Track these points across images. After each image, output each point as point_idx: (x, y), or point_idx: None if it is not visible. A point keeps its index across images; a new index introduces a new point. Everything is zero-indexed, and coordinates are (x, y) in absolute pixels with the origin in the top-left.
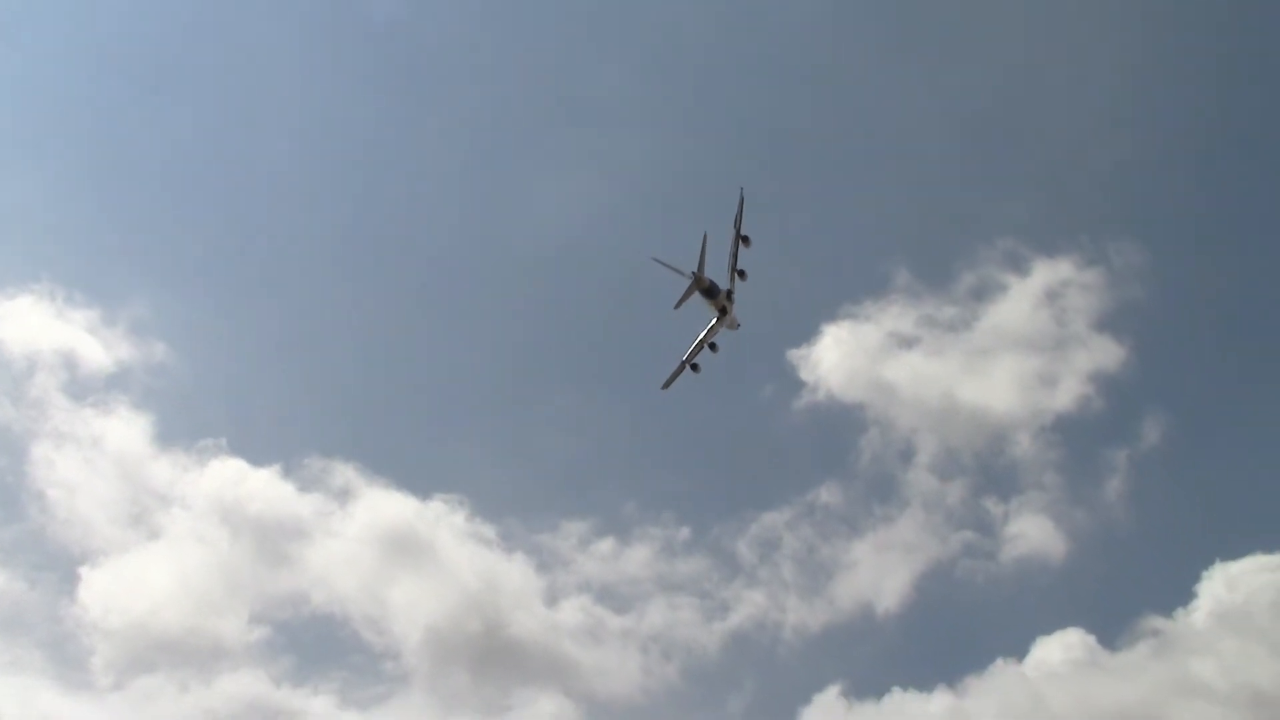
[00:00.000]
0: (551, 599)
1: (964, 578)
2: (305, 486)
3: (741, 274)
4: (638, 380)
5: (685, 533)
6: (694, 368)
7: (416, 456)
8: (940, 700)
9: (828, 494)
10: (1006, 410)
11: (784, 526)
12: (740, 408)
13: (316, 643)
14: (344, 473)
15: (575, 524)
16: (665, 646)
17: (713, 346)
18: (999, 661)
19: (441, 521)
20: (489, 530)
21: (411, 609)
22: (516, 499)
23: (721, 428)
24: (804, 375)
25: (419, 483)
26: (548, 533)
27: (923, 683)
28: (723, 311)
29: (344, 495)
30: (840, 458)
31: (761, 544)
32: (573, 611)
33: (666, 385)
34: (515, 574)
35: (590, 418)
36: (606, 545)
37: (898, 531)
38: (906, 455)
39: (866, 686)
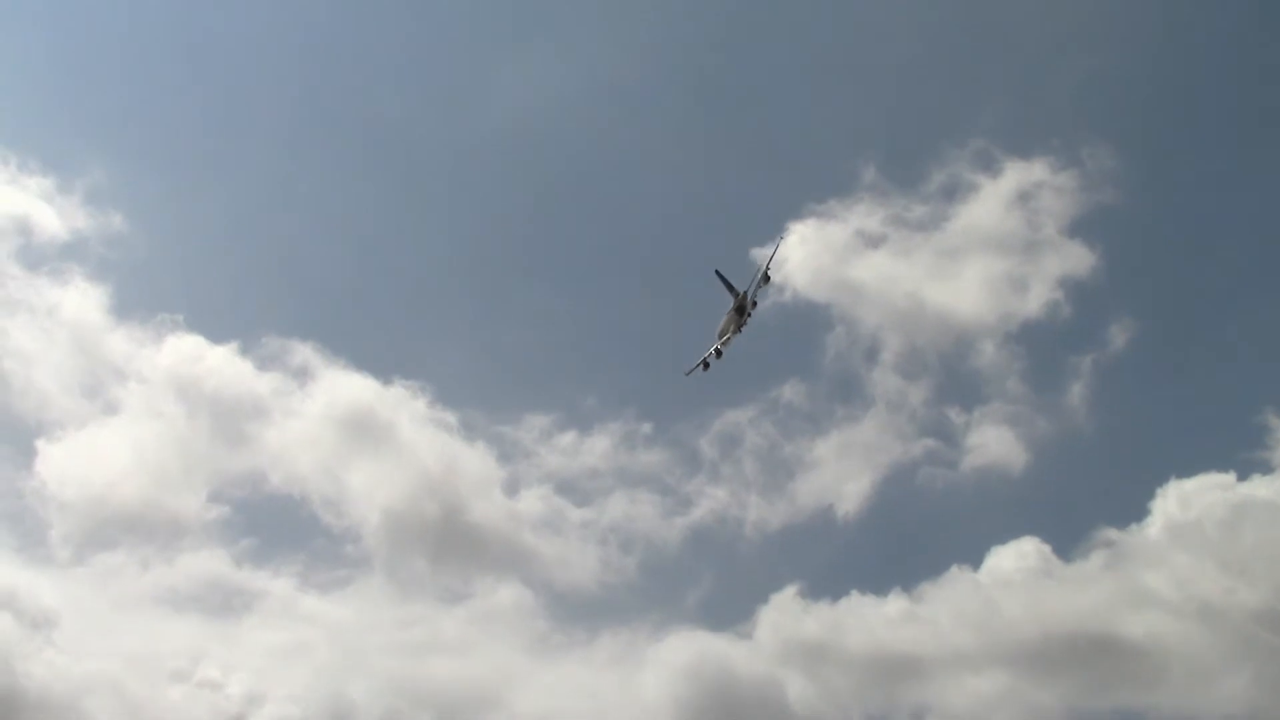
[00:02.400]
0: (512, 488)
1: (924, 485)
2: (263, 365)
3: (767, 278)
4: (603, 276)
5: (647, 428)
6: (706, 365)
7: (378, 340)
8: (895, 604)
9: (791, 392)
10: (974, 314)
11: (747, 424)
12: (704, 306)
13: (276, 524)
14: (303, 352)
15: (537, 417)
16: (625, 540)
17: (719, 353)
18: (954, 568)
19: (402, 406)
20: (450, 417)
21: (371, 492)
22: (479, 389)
23: (688, 324)
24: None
25: (380, 366)
26: (509, 424)
27: (879, 586)
28: (741, 320)
29: (303, 375)
30: (805, 356)
31: (723, 440)
32: (533, 502)
33: (689, 373)
34: (476, 462)
35: (555, 312)
36: (568, 438)
37: (860, 432)
38: (871, 355)
39: (824, 587)
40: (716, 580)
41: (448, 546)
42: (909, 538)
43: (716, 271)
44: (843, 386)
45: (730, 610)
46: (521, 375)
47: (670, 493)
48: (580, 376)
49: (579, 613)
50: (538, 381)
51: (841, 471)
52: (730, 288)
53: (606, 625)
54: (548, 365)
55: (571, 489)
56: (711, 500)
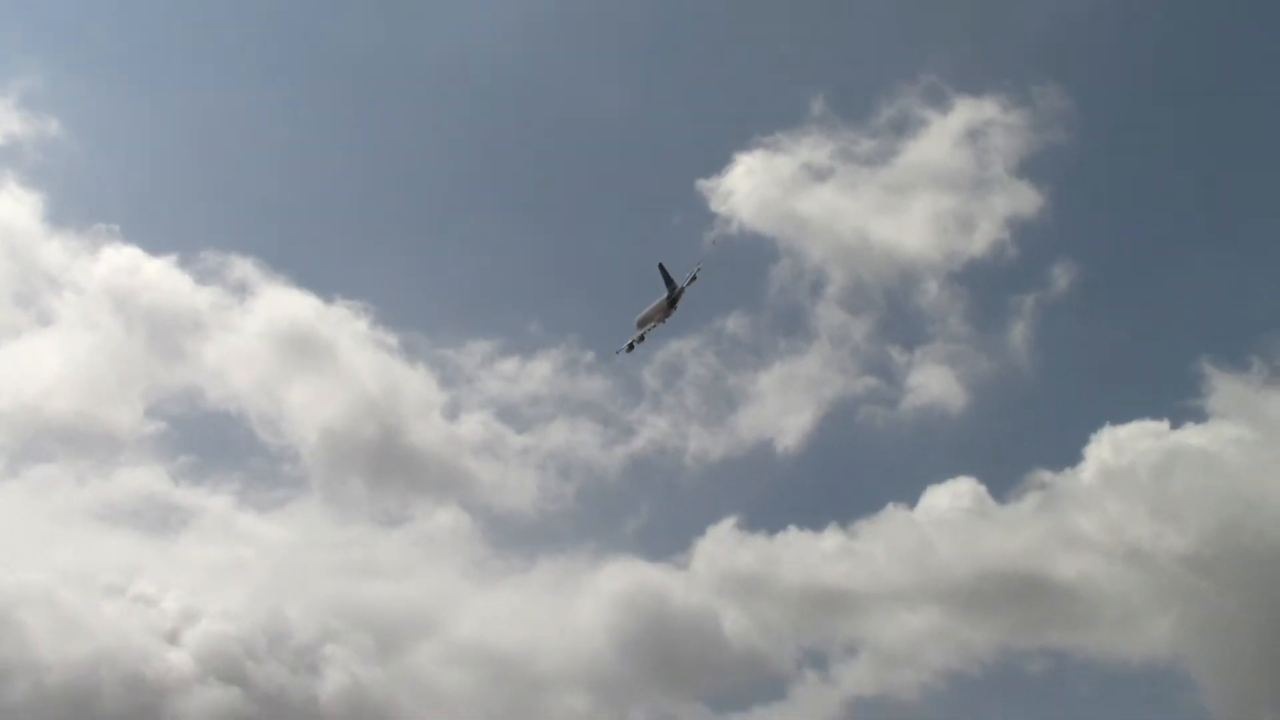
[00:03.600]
0: (452, 413)
1: (864, 422)
2: (202, 279)
3: (693, 279)
4: (549, 205)
5: (589, 356)
6: (631, 347)
7: (321, 259)
8: (831, 539)
9: (735, 324)
10: (919, 251)
11: (690, 354)
12: (650, 236)
13: (213, 441)
14: (243, 267)
15: (480, 341)
16: (564, 467)
17: (641, 338)
18: (890, 506)
19: (343, 326)
20: (392, 339)
21: (309, 412)
22: (422, 312)
23: (630, 255)
24: (715, 206)
25: (322, 285)
26: (452, 348)
27: (816, 521)
28: (669, 312)
29: (242, 290)
30: (749, 289)
31: (666, 370)
32: (473, 426)
33: (630, 349)
34: (416, 384)
35: (501, 239)
36: (510, 364)
37: (803, 367)
38: (816, 289)
39: (761, 520)
40: (655, 510)
41: (386, 469)
42: (847, 474)
43: (660, 265)
44: (786, 320)
45: (668, 541)
46: (465, 300)
47: (611, 421)
48: (524, 303)
49: (517, 539)
50: (481, 306)
51: (783, 405)
52: (669, 281)
53: (544, 552)
54: (492, 291)
55: (512, 415)
56: (652, 430)
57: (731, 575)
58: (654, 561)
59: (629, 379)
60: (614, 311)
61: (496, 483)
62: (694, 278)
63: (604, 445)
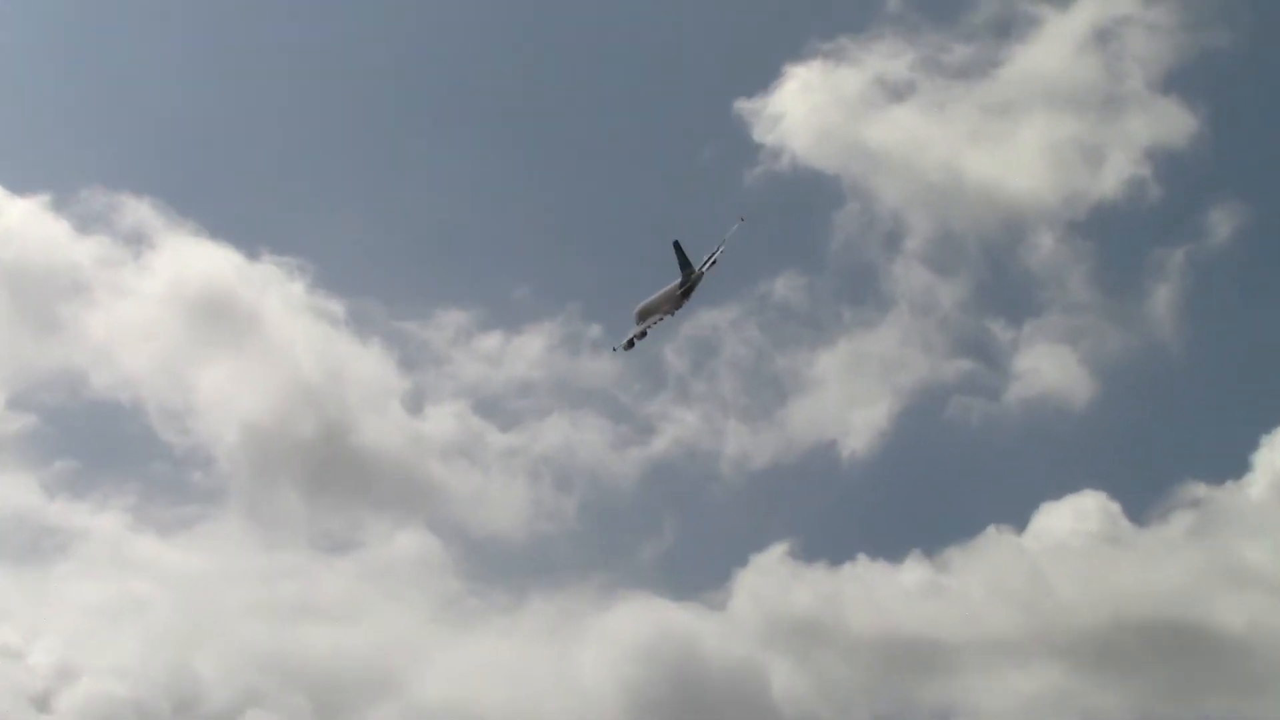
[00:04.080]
0: (416, 403)
1: (956, 418)
2: (84, 226)
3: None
4: (546, 131)
5: (595, 330)
6: (631, 344)
7: (242, 200)
8: (914, 573)
9: (786, 288)
10: (1029, 192)
11: (727, 327)
12: (673, 175)
13: (100, 441)
14: (138, 211)
15: (452, 311)
16: (563, 474)
17: (643, 333)
18: (992, 530)
19: (273, 288)
20: (337, 307)
21: (227, 402)
22: (376, 272)
23: (647, 200)
24: (759, 134)
25: (244, 235)
26: (416, 319)
27: (893, 549)
28: (681, 302)
29: (138, 241)
30: (805, 242)
31: (696, 349)
32: (443, 421)
33: (629, 346)
34: (369, 367)
35: (478, 176)
36: (491, 340)
37: (875, 344)
38: (892, 242)
39: (821, 547)
40: (682, 532)
41: (330, 478)
42: (934, 487)
43: (675, 243)
44: (853, 283)
45: (699, 573)
46: (432, 256)
47: (624, 416)
48: (509, 260)
49: (501, 569)
50: (453, 265)
51: (849, 395)
52: (685, 263)
53: (537, 587)
54: (467, 244)
55: (494, 407)
56: (678, 427)
57: (782, 619)
58: (680, 600)
59: (647, 360)
60: (626, 273)
61: (474, 495)
62: (713, 260)
63: (614, 446)
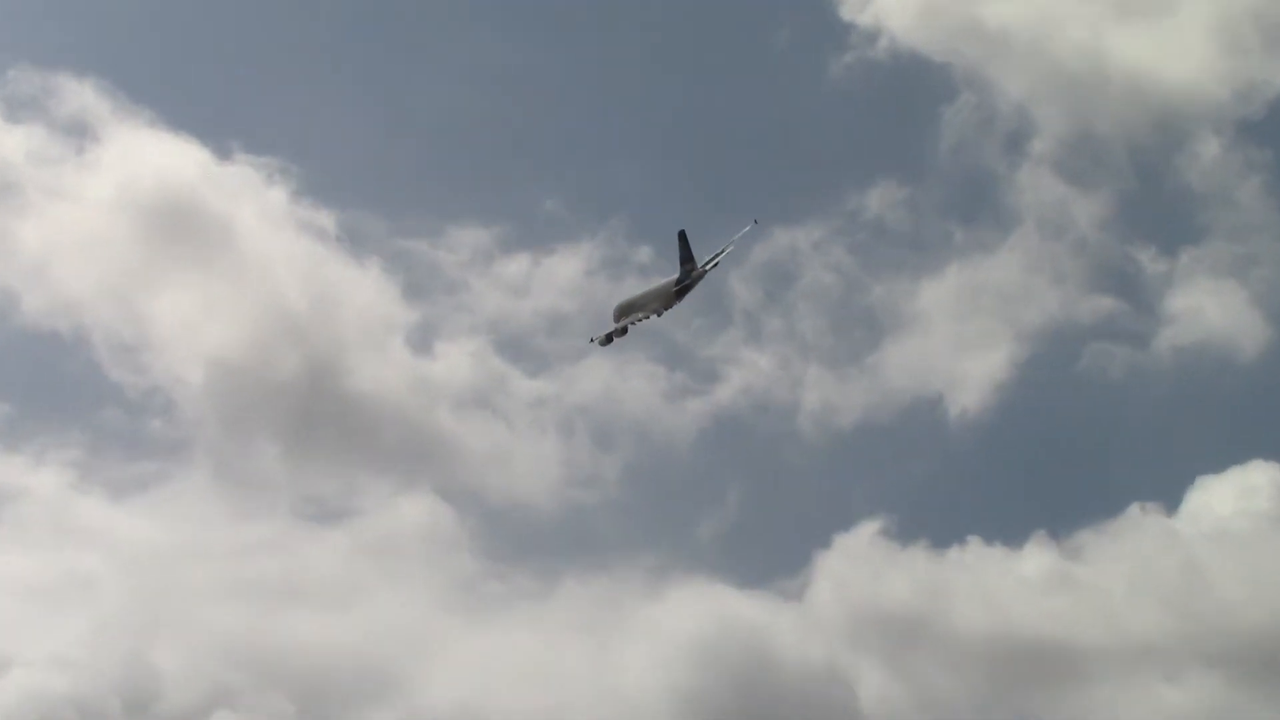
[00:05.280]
0: (424, 340)
1: (1093, 369)
2: (14, 114)
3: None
4: (578, 11)
5: (643, 253)
6: (609, 339)
7: (210, 84)
8: (1038, 559)
9: (881, 202)
10: (1191, 82)
11: (810, 250)
12: (744, 64)
13: (36, 381)
14: (80, 96)
15: (470, 230)
16: (603, 430)
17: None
18: (1135, 508)
19: (247, 195)
20: (326, 219)
21: (191, 333)
22: (374, 179)
23: (711, 96)
24: (848, 12)
25: (212, 127)
26: (423, 237)
27: (1012, 531)
28: (675, 301)
29: (79, 133)
30: (905, 144)
31: (769, 276)
32: (457, 362)
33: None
34: (366, 294)
35: (502, 61)
36: (517, 266)
37: (993, 272)
38: (1015, 144)
39: (922, 526)
40: (750, 504)
41: (317, 430)
42: (1064, 456)
43: (681, 233)
44: (966, 196)
45: (770, 555)
46: (444, 159)
47: (681, 359)
48: (538, 166)
49: (527, 546)
50: (470, 171)
51: (959, 338)
52: (688, 256)
53: (571, 568)
54: (487, 145)
55: (519, 346)
56: (747, 373)
57: (872, 612)
58: (747, 588)
59: (710, 290)
60: (679, 183)
61: (494, 455)
62: (716, 261)
63: (668, 396)
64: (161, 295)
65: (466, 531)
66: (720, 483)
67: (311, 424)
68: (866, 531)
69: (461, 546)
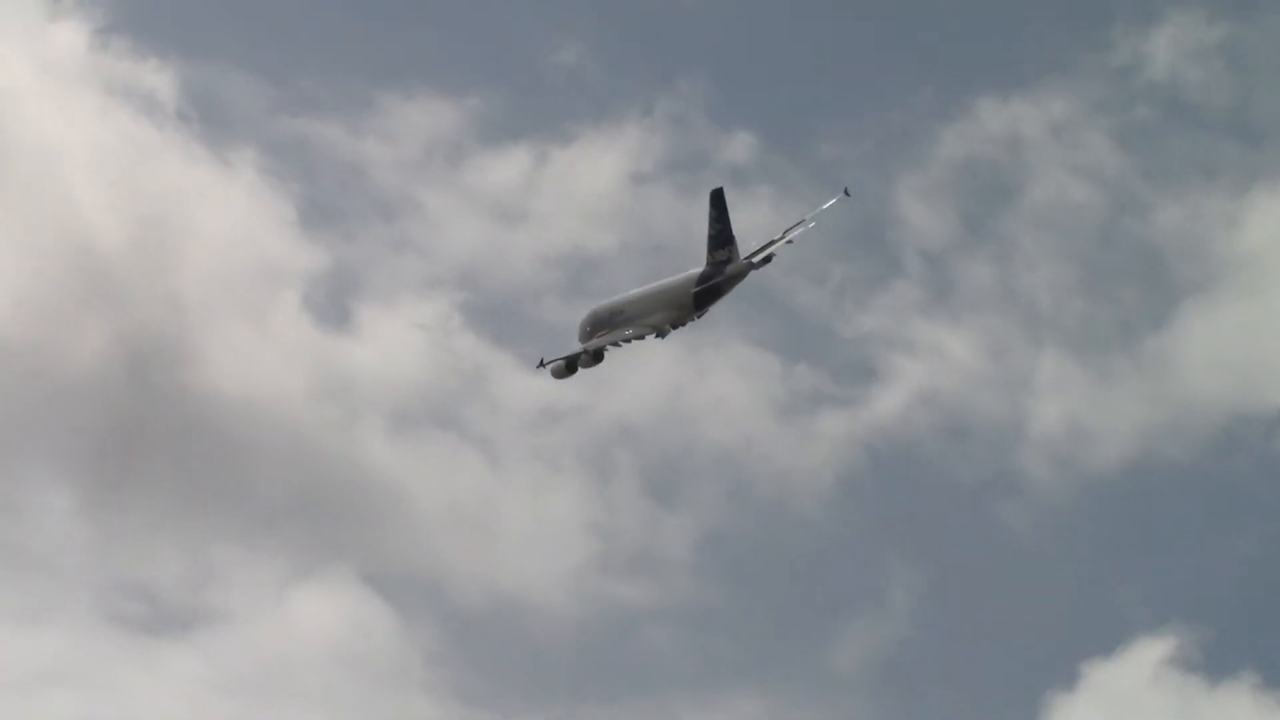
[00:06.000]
0: (335, 302)
1: None
2: None
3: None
4: None
5: (741, 144)
6: (569, 365)
7: None
8: None
9: (1176, 48)
10: None
11: (1046, 134)
12: None
13: None
14: None
15: (421, 101)
16: (665, 465)
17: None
18: None
19: (19, 33)
20: (159, 79)
21: None
22: (245, 7)
23: None
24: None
25: None
26: (338, 115)
27: None
28: (704, 301)
29: None
30: None
31: (970, 184)
32: (398, 341)
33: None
34: (232, 215)
35: None
36: (509, 166)
37: None
38: None
39: (1244, 651)
40: (934, 609)
41: (144, 464)
42: None
43: (715, 193)
44: None
45: (978, 699)
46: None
47: (809, 340)
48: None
49: (529, 677)
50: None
51: None
52: (723, 233)
53: (603, 718)
54: None
55: (509, 313)
56: (928, 366)
57: None
58: None
59: (851, 220)
60: (790, 24)
61: (465, 513)
62: (770, 253)
63: (785, 409)
64: None
65: (418, 651)
66: (879, 566)
67: (134, 454)
68: (1148, 657)
69: (409, 677)
